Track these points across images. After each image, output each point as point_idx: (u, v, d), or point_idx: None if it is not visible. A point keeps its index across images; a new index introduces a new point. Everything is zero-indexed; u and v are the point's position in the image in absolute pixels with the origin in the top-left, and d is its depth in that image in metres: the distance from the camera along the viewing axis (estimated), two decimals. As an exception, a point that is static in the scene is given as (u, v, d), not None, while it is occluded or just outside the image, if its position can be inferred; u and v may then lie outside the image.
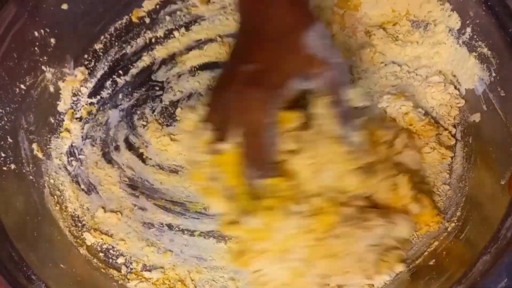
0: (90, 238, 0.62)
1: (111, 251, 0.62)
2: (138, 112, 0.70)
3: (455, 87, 0.66)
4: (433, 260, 0.55)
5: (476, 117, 0.64)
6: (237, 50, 0.56)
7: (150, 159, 0.67)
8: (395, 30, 0.72)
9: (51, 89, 0.68)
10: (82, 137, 0.68)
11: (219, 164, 0.53)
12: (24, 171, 0.62)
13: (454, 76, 0.66)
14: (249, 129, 0.51)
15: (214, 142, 0.53)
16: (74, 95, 0.70)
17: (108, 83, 0.71)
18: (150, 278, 0.60)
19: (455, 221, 0.58)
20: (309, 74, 0.52)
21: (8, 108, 0.62)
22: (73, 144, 0.68)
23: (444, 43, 0.69)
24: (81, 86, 0.70)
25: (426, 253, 0.57)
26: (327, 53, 0.52)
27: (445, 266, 0.54)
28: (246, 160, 0.52)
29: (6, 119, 0.61)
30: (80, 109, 0.70)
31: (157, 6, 0.73)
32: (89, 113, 0.70)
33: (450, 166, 0.64)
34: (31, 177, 0.62)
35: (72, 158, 0.67)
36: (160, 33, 0.74)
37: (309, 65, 0.52)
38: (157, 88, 0.71)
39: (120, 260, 0.61)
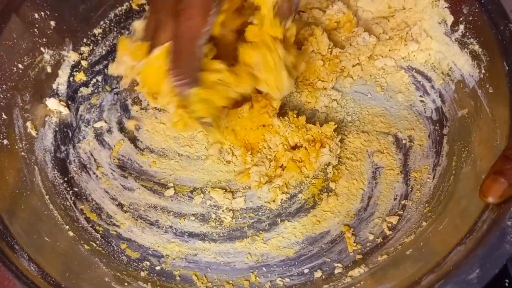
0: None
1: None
2: (132, 96, 0.71)
3: (445, 83, 0.66)
4: (410, 250, 0.56)
5: (464, 113, 0.64)
6: None
7: (141, 142, 0.68)
8: (389, 25, 0.73)
9: (48, 70, 0.69)
10: (75, 118, 0.70)
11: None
12: (16, 147, 0.63)
13: (445, 71, 0.66)
14: (185, 35, 0.49)
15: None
16: (71, 76, 0.71)
17: (105, 67, 0.73)
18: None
19: (435, 212, 0.58)
20: None
21: (4, 86, 0.63)
22: (67, 124, 0.69)
23: (437, 39, 0.69)
24: (78, 68, 0.72)
25: (405, 242, 0.57)
26: None
27: (421, 256, 0.54)
28: (176, 66, 0.50)
29: (2, 96, 0.63)
30: (76, 91, 0.71)
31: (157, -6, 0.74)
32: (84, 95, 0.71)
33: (435, 159, 0.64)
34: (23, 153, 0.64)
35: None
36: (159, 20, 0.75)
37: None
38: (152, 74, 0.73)
39: (105, 237, 0.62)
